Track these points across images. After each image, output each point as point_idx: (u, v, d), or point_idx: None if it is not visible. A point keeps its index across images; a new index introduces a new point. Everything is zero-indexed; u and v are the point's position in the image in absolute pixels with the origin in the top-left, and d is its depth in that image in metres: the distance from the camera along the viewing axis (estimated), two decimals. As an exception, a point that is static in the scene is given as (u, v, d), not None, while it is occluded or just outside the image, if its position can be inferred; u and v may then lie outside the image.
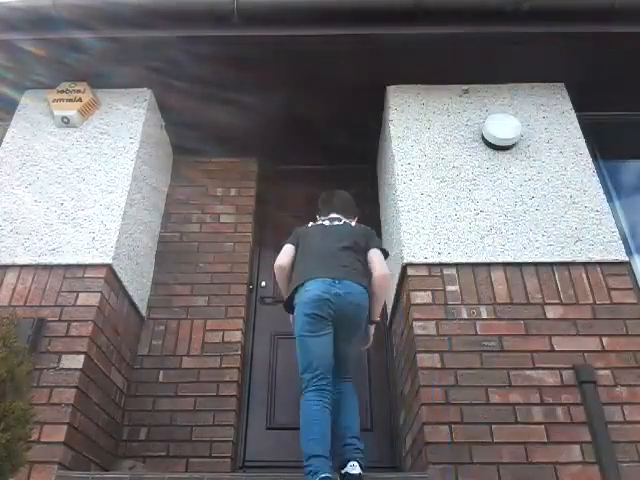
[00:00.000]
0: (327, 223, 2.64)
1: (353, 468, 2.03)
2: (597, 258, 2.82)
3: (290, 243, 2.63)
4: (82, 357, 2.60)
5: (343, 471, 2.06)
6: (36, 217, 3.02)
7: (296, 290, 2.42)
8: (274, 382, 3.39)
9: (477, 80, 3.51)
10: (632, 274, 2.91)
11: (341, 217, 2.68)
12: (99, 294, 2.79)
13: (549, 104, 3.45)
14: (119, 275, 2.99)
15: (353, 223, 2.68)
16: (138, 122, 3.44)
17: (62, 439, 2.39)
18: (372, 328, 2.62)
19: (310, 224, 2.72)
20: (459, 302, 2.71)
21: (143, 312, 3.39)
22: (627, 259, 2.86)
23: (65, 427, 2.42)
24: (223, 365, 3.24)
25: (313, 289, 2.32)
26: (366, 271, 2.47)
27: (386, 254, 2.59)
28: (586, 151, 3.23)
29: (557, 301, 2.72)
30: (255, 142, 4.02)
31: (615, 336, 2.60)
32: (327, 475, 1.94)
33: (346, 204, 2.78)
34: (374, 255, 2.50)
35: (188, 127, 3.78)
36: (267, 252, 3.76)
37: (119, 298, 3.04)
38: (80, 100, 3.40)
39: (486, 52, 3.31)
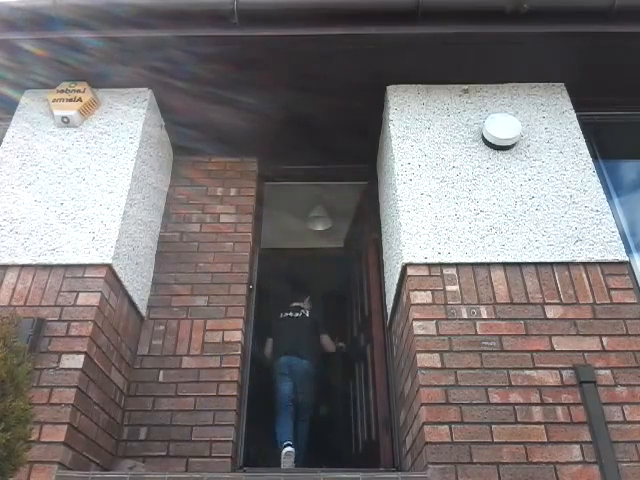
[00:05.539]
0: (295, 315, 4.60)
1: None
2: (597, 258, 2.82)
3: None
4: (82, 357, 2.60)
5: None
6: (36, 217, 3.02)
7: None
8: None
9: (477, 80, 3.51)
10: (632, 274, 2.90)
11: (300, 305, 4.66)
12: (99, 294, 2.79)
13: (549, 104, 3.44)
14: (119, 275, 2.99)
15: (307, 313, 4.65)
16: (138, 122, 3.44)
17: (62, 439, 2.39)
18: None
19: (282, 315, 4.64)
20: (459, 302, 2.71)
21: (143, 312, 3.39)
22: (627, 259, 2.86)
23: (65, 427, 2.42)
24: (223, 365, 3.24)
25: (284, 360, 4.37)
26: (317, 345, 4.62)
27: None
28: (586, 151, 3.23)
29: (557, 301, 2.71)
30: (255, 142, 4.02)
31: (615, 336, 2.60)
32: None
33: (301, 294, 4.77)
34: (323, 338, 4.67)
35: (188, 127, 3.78)
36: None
37: (119, 298, 3.04)
38: (80, 100, 3.40)
39: (486, 52, 3.31)
